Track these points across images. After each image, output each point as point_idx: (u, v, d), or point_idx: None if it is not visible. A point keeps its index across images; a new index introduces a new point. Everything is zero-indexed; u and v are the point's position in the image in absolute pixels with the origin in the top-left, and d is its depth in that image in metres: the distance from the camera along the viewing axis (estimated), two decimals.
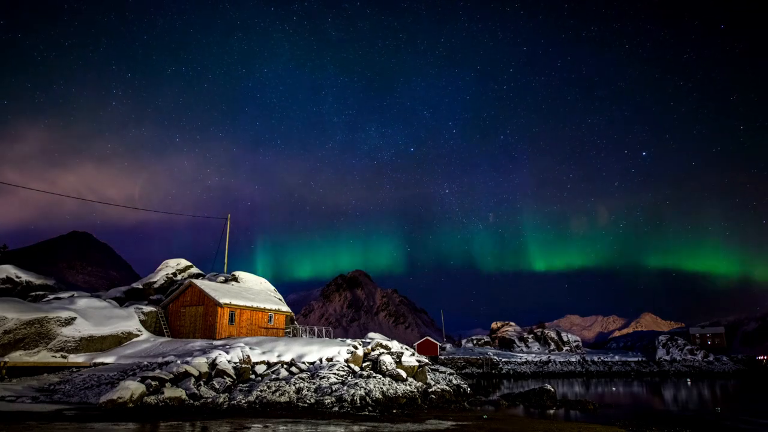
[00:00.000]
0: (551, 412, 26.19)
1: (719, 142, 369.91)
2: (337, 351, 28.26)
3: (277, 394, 22.56)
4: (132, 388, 20.75)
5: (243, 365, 25.36)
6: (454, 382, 35.38)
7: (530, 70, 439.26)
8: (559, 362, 77.06)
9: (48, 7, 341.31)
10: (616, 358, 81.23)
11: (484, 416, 21.72)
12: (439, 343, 79.72)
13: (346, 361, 27.42)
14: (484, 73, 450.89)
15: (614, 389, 46.80)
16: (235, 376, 24.49)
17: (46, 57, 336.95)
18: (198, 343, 30.85)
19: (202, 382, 23.51)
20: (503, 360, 75.77)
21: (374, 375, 26.15)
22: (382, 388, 24.44)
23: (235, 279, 44.70)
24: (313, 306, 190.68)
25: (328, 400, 21.98)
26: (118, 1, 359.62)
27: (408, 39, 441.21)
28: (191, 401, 21.48)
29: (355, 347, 28.88)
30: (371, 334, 39.62)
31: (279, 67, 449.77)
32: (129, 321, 35.45)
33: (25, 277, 42.79)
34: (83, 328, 32.30)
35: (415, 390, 26.17)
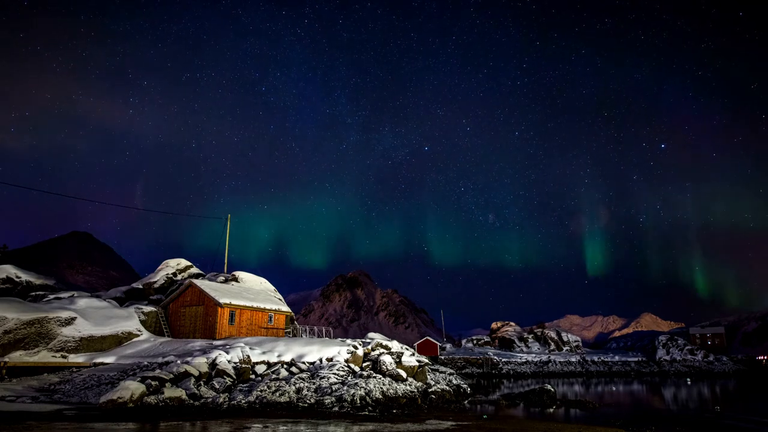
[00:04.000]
0: (551, 411, 26.20)
1: (741, 132, 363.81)
2: (337, 351, 28.27)
3: (277, 394, 22.56)
4: (132, 388, 20.75)
5: (243, 365, 25.36)
6: (454, 382, 35.38)
7: (544, 65, 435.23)
8: (559, 362, 77.06)
9: (65, 19, 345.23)
10: (616, 358, 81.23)
11: (484, 416, 21.73)
12: (439, 343, 79.71)
13: (346, 361, 27.42)
14: (497, 70, 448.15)
15: (614, 389, 46.80)
16: (235, 376, 24.49)
17: (65, 68, 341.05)
18: (198, 343, 30.85)
19: (202, 382, 23.51)
20: (503, 360, 75.76)
21: (374, 375, 26.15)
22: (382, 388, 24.45)
23: (235, 279, 44.71)
24: (313, 306, 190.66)
25: (328, 400, 21.98)
26: (133, 10, 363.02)
27: (419, 38, 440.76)
28: (191, 401, 21.48)
29: (355, 347, 28.88)
30: (371, 334, 39.65)
31: (292, 71, 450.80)
32: (129, 321, 35.45)
33: (25, 277, 42.78)
34: (83, 328, 32.30)
35: (415, 390, 26.17)
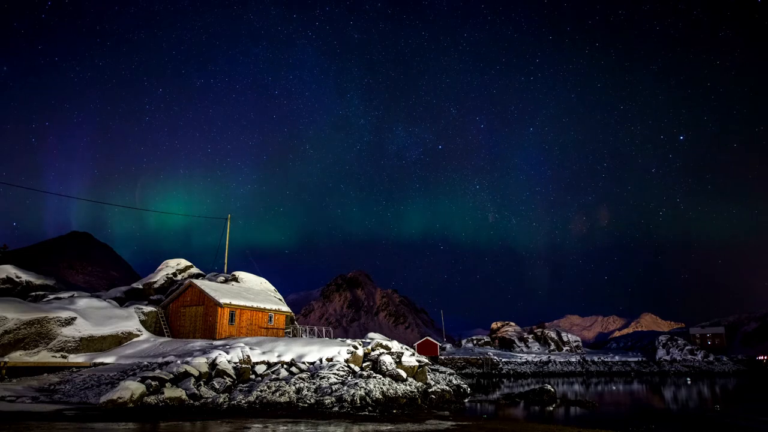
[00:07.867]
0: (550, 409, 26.20)
1: (762, 121, 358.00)
2: (337, 351, 28.26)
3: (277, 394, 22.57)
4: (132, 388, 20.75)
5: (243, 365, 25.36)
6: (454, 382, 35.39)
7: (557, 59, 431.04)
8: (559, 362, 77.06)
9: (82, 30, 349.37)
10: (616, 358, 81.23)
11: (484, 416, 21.74)
12: (439, 343, 79.72)
13: (346, 361, 27.42)
14: (510, 66, 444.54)
15: (614, 389, 46.81)
16: (235, 376, 24.49)
17: (82, 77, 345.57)
18: (198, 343, 30.84)
19: (202, 382, 23.52)
20: (503, 360, 75.76)
21: (374, 375, 26.15)
22: (382, 388, 24.44)
23: (235, 279, 44.70)
24: (313, 306, 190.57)
25: (328, 400, 21.98)
26: (148, 19, 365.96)
27: (431, 36, 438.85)
28: (191, 401, 21.48)
29: (355, 347, 28.88)
30: (371, 334, 39.63)
31: (304, 73, 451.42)
32: (129, 321, 35.45)
33: (25, 277, 42.77)
34: (83, 328, 32.29)
35: (415, 390, 26.17)
